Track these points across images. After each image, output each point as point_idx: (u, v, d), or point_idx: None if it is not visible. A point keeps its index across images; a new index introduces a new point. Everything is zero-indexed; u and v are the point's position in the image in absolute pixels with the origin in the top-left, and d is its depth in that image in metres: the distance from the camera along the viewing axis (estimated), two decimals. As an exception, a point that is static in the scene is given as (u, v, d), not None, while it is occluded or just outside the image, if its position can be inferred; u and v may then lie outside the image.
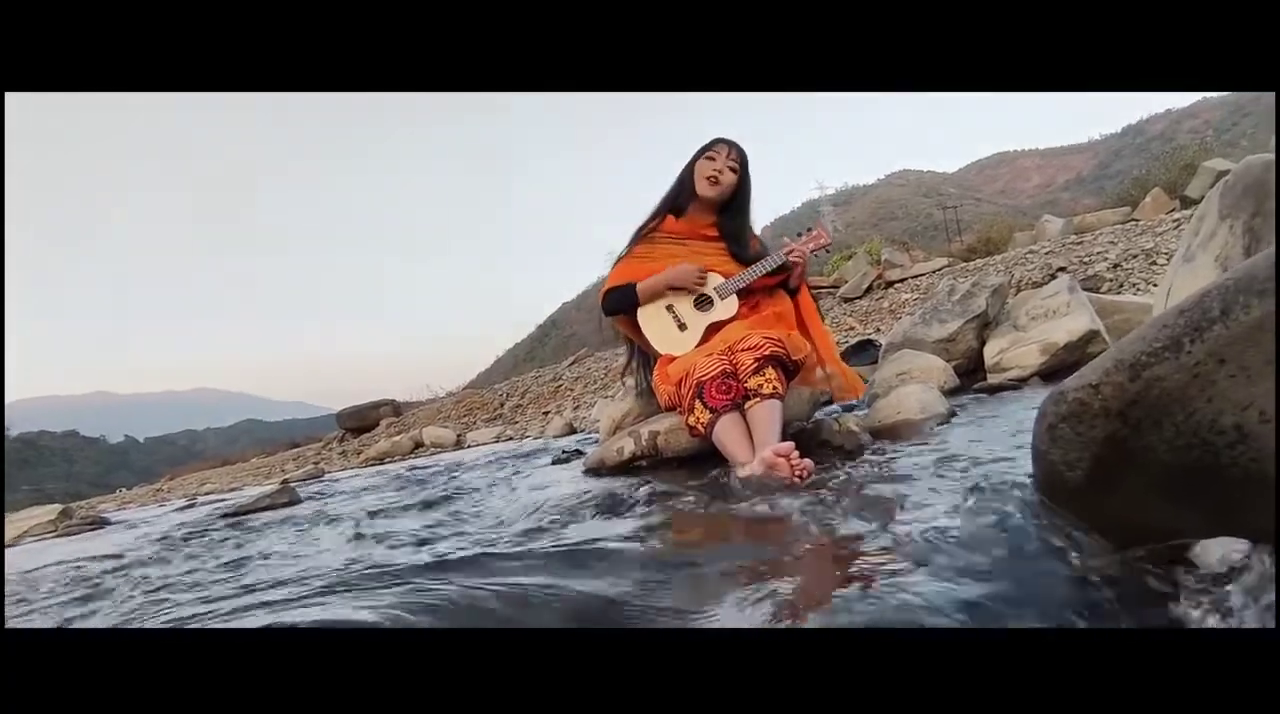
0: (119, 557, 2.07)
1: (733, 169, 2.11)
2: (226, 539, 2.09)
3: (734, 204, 2.16)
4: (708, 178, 2.09)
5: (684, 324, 2.06)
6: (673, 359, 1.98)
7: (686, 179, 2.15)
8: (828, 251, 2.18)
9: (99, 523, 4.44)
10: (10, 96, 0.88)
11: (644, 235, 2.21)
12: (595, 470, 2.10)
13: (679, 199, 2.18)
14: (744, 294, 2.08)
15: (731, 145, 2.13)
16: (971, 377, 2.82)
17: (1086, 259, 6.61)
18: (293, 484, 4.33)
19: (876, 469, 1.41)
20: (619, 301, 2.14)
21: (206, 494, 7.92)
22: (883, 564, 0.83)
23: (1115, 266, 6.07)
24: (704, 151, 2.13)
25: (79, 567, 1.98)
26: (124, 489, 19.83)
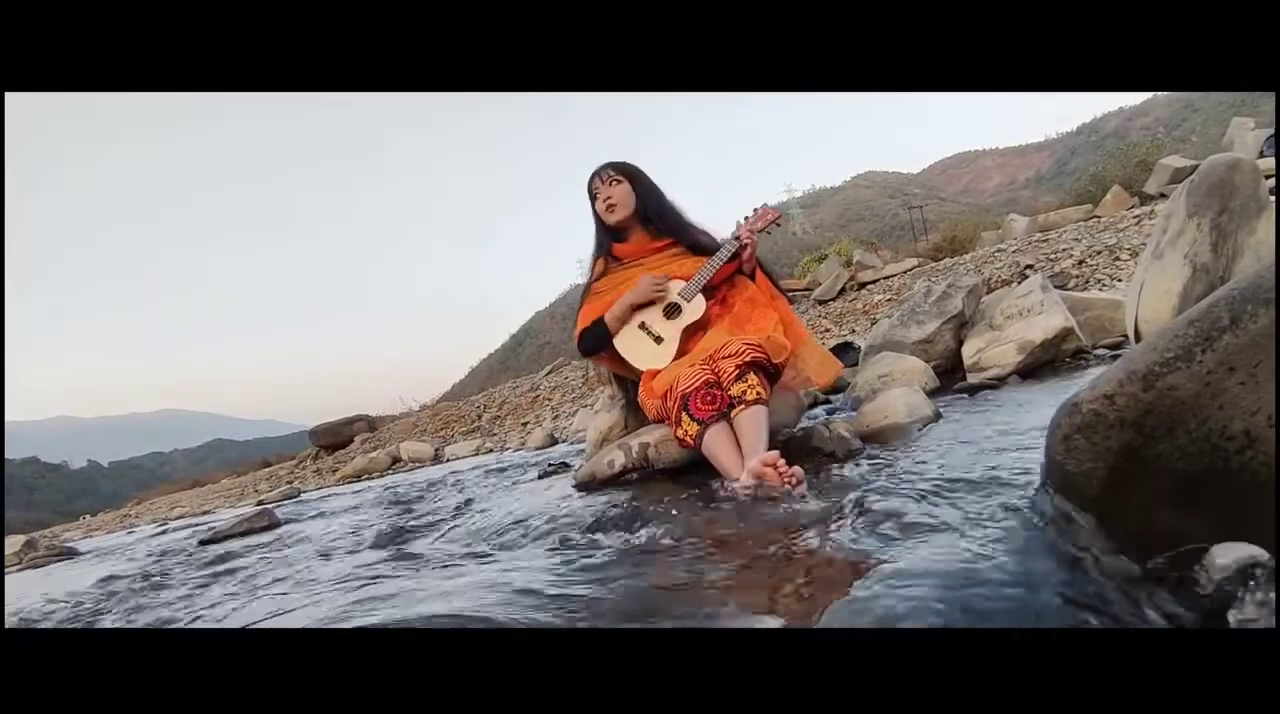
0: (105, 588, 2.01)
1: (615, 182, 2.20)
2: (209, 569, 2.03)
3: (648, 208, 2.22)
4: (605, 211, 2.20)
5: (659, 337, 2.07)
6: (656, 373, 1.97)
7: (596, 222, 2.26)
8: (778, 225, 2.21)
9: (67, 553, 4.30)
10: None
11: (594, 280, 2.27)
12: (586, 485, 2.09)
13: (603, 241, 2.28)
14: (708, 292, 2.10)
15: (599, 171, 2.23)
16: (950, 376, 2.86)
17: (1053, 256, 6.77)
18: (270, 505, 4.24)
19: (870, 474, 1.42)
20: (593, 338, 2.17)
21: (177, 518, 7.72)
22: (885, 572, 0.83)
23: (1080, 263, 6.22)
24: (590, 196, 2.24)
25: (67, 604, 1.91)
26: (88, 515, 19.20)
